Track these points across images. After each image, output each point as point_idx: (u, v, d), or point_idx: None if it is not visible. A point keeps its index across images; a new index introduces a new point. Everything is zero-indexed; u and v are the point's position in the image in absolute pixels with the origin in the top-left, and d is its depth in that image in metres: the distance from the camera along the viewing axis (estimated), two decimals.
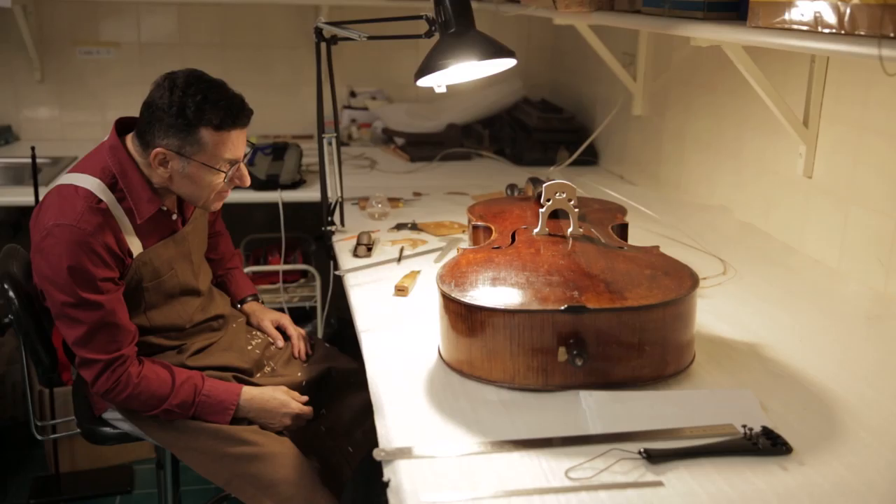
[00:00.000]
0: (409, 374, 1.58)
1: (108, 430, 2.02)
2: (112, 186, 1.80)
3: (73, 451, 2.92)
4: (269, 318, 2.20)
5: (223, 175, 1.83)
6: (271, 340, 2.15)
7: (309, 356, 2.17)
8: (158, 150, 1.77)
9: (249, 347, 2.09)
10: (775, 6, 1.58)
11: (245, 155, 1.87)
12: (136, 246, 1.84)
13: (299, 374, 2.07)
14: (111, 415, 1.99)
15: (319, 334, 3.00)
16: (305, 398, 1.97)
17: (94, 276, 1.74)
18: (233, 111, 1.77)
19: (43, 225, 1.76)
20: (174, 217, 1.93)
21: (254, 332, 2.16)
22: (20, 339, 2.03)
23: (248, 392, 1.89)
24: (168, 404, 1.82)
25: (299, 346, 2.16)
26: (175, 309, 1.96)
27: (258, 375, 2.03)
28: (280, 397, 1.92)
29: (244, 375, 1.99)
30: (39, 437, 2.28)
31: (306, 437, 1.95)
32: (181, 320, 1.96)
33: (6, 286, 1.99)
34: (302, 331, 2.21)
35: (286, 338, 2.18)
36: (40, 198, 2.69)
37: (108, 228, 1.77)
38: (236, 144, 1.82)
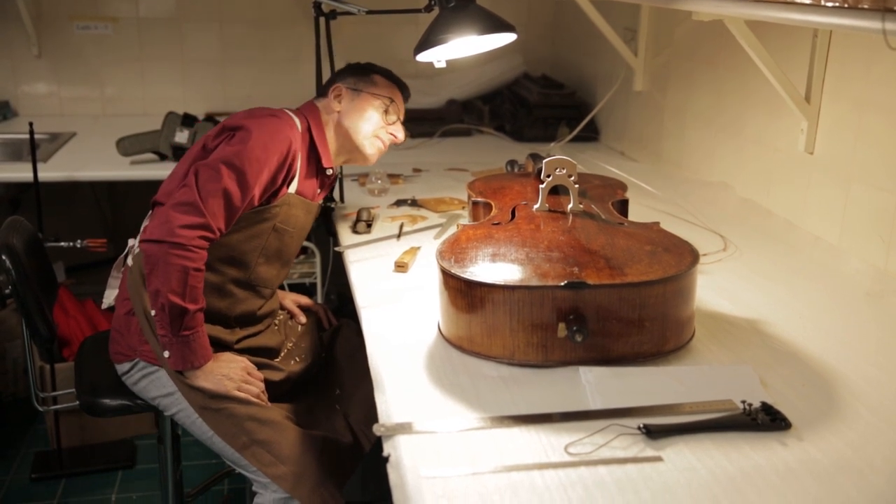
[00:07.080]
0: (408, 350, 1.58)
1: (107, 401, 1.98)
2: (305, 130, 2.01)
3: (75, 426, 2.93)
4: (289, 297, 2.27)
5: (383, 111, 2.06)
6: (290, 317, 2.23)
7: (328, 328, 2.28)
8: (336, 84, 2.07)
9: (276, 327, 2.13)
10: None
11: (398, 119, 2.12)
12: (293, 185, 1.97)
13: (315, 349, 2.15)
14: (123, 368, 1.94)
15: None
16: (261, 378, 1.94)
17: (265, 163, 1.84)
18: (398, 79, 2.13)
19: (254, 111, 1.94)
20: (318, 191, 2.08)
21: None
22: (20, 312, 2.02)
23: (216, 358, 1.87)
24: (176, 301, 1.73)
25: (326, 316, 2.30)
26: (273, 270, 2.01)
27: (283, 353, 2.08)
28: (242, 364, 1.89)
29: (270, 358, 2.03)
30: (41, 409, 2.28)
31: (323, 415, 2.00)
32: (270, 283, 2.02)
33: (4, 257, 1.98)
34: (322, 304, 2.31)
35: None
36: (39, 175, 2.72)
37: (294, 151, 1.92)
38: (398, 100, 2.11)
